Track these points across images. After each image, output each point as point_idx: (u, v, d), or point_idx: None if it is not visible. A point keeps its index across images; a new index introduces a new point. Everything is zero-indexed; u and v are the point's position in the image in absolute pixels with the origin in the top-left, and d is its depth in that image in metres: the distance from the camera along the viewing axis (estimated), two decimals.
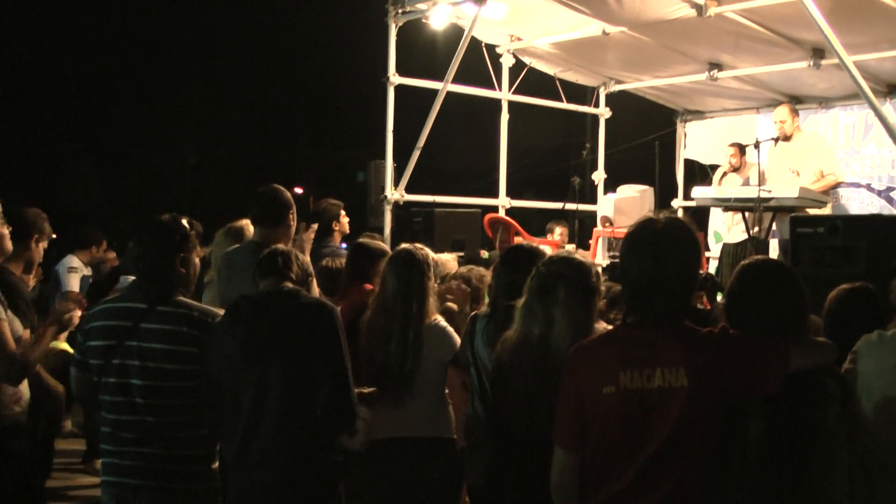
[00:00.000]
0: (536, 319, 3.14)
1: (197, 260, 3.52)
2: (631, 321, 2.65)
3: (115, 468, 3.29)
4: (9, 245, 4.11)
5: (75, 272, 8.53)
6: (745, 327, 2.70)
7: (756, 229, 7.11)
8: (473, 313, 4.12)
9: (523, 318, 3.20)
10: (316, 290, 4.24)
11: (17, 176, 20.88)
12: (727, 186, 8.82)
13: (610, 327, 3.31)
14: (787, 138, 8.31)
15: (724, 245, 9.00)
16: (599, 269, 3.46)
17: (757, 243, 7.05)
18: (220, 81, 25.81)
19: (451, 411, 4.12)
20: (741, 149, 8.96)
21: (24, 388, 3.90)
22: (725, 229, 9.05)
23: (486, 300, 5.05)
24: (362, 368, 4.00)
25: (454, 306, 4.44)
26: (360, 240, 5.04)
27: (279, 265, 3.42)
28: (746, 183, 8.72)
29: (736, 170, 8.91)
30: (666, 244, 2.60)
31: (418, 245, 4.20)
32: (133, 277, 3.64)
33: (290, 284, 3.34)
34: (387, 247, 5.03)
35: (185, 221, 3.44)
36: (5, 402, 3.81)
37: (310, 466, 3.13)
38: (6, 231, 4.06)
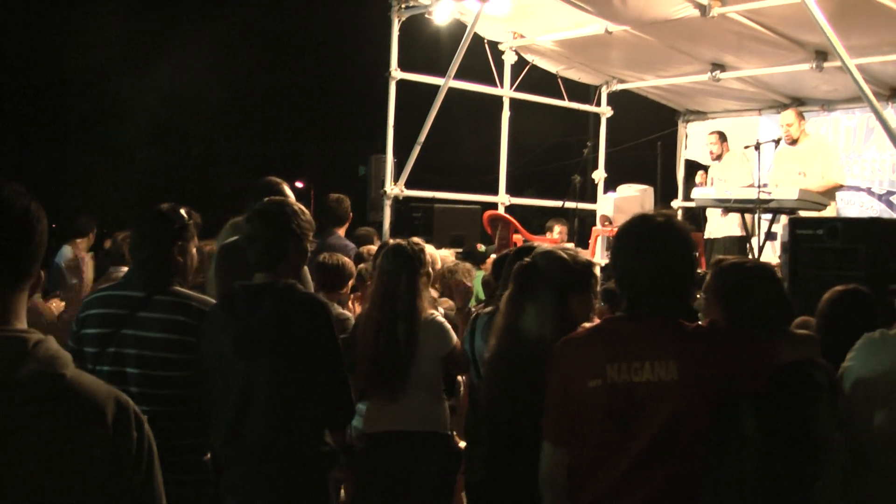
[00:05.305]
0: (518, 309, 3.15)
1: (195, 251, 3.51)
2: (620, 315, 2.64)
3: None
4: None
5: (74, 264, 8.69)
6: (730, 324, 2.72)
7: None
8: (475, 314, 4.11)
9: (505, 307, 3.22)
10: (310, 283, 4.23)
11: (21, 165, 20.87)
12: (717, 175, 8.98)
13: None
14: (793, 142, 8.27)
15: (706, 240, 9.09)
16: (598, 268, 3.46)
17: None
18: (223, 73, 25.79)
19: (447, 407, 4.12)
20: (721, 136, 9.11)
21: None
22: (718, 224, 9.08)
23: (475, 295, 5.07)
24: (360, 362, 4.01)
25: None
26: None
27: (275, 258, 3.31)
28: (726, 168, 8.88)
29: (718, 157, 9.11)
30: (664, 240, 2.59)
31: (414, 239, 4.19)
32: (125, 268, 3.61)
33: (285, 279, 3.24)
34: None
35: (183, 211, 3.43)
36: None
37: (297, 460, 3.11)
38: None
